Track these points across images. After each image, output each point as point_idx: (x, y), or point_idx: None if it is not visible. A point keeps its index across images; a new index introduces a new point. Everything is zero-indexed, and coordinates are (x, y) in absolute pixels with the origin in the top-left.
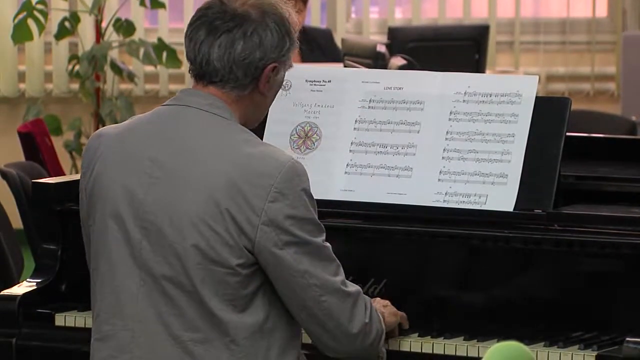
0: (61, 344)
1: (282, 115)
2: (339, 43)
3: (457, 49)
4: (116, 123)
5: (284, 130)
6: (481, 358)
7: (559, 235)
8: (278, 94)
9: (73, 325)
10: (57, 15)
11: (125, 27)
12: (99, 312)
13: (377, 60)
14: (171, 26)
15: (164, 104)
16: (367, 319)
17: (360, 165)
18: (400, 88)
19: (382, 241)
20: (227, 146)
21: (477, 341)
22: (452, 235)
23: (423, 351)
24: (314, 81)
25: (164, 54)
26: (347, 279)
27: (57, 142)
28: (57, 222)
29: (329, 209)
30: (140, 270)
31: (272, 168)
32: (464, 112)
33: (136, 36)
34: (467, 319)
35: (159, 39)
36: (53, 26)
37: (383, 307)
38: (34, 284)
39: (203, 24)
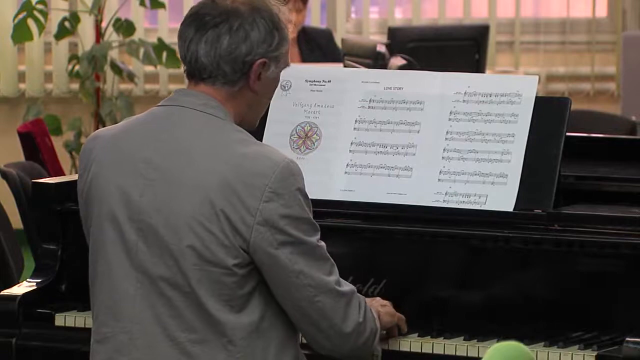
0: (61, 344)
1: (282, 115)
2: (339, 43)
3: (457, 49)
4: (116, 123)
5: (284, 130)
6: (481, 358)
7: (559, 235)
8: (278, 94)
9: (73, 325)
10: (57, 15)
11: (125, 27)
12: (98, 313)
13: (377, 60)
14: (171, 26)
15: (159, 104)
16: (361, 318)
17: (360, 165)
18: (400, 88)
19: (382, 241)
20: (222, 146)
21: (477, 341)
22: (452, 235)
23: (423, 351)
24: (314, 81)
25: (164, 54)
26: (347, 279)
27: (57, 142)
28: (57, 222)
29: (329, 209)
30: (137, 271)
31: (267, 168)
32: (463, 112)
33: (136, 36)
34: (467, 319)
35: (159, 39)
36: (53, 26)
37: (381, 307)
38: (34, 284)
39: (193, 22)
